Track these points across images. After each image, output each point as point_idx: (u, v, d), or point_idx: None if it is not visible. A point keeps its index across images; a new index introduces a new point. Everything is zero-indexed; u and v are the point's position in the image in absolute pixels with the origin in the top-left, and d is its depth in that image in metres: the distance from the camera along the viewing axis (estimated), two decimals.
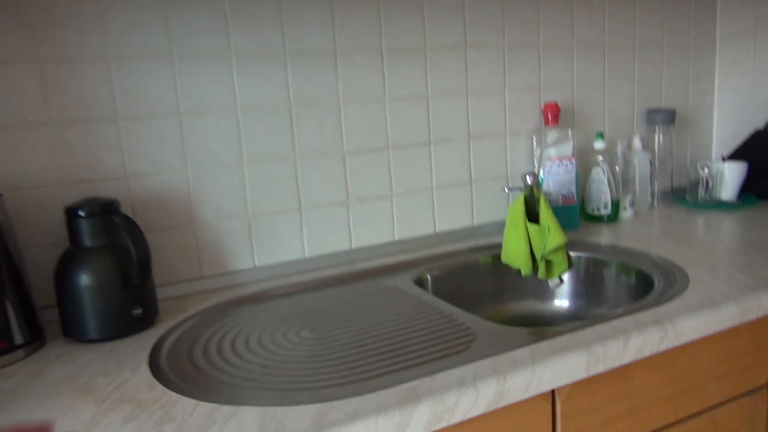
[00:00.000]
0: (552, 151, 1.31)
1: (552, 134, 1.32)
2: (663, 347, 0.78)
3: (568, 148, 1.32)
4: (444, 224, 1.28)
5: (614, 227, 1.32)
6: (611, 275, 1.11)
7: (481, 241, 1.28)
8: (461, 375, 0.68)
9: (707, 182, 1.45)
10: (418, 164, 1.23)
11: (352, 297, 1.00)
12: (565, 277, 1.18)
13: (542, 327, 0.81)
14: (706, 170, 1.46)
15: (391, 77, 1.17)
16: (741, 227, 1.24)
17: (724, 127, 1.62)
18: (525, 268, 1.15)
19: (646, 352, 0.77)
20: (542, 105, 1.35)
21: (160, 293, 1.02)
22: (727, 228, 1.25)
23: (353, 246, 1.19)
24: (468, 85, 1.26)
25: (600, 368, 0.73)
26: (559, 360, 0.71)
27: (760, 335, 0.91)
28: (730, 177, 1.46)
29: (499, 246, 1.23)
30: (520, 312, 1.18)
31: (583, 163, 1.41)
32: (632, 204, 1.40)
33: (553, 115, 1.31)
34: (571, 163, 1.31)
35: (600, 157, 1.36)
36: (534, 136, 1.34)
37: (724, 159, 1.52)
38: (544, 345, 0.74)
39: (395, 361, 0.74)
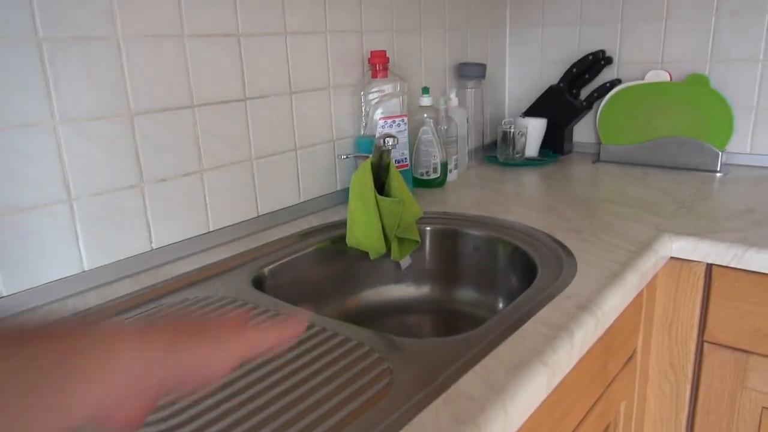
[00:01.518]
0: (380, 109, 1.13)
1: (380, 88, 1.13)
2: (597, 334, 0.67)
3: (396, 105, 1.15)
4: (268, 204, 1.01)
5: (446, 192, 1.21)
6: (471, 249, 0.99)
7: (314, 222, 1.04)
8: None
9: (514, 139, 1.44)
10: (232, 127, 0.93)
11: None
12: (420, 254, 1.03)
13: (461, 334, 0.64)
14: (512, 127, 1.44)
15: (189, 4, 0.84)
16: (562, 183, 1.24)
17: (516, 83, 1.64)
18: (377, 250, 0.96)
19: (587, 346, 0.65)
20: (367, 53, 1.15)
21: None
22: (552, 185, 1.23)
23: (154, 245, 0.84)
24: (286, 21, 0.98)
25: (556, 381, 0.59)
26: (521, 383, 0.54)
27: (632, 303, 0.87)
28: (533, 133, 1.47)
29: (334, 226, 1.02)
30: (379, 302, 0.99)
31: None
32: (456, 165, 1.31)
33: (382, 65, 1.12)
34: (404, 122, 1.14)
35: (426, 115, 1.22)
36: (362, 92, 1.14)
37: (522, 116, 1.53)
38: (490, 363, 0.57)
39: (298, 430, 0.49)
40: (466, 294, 1.00)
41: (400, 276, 1.02)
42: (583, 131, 1.55)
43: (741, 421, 0.92)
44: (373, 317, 0.97)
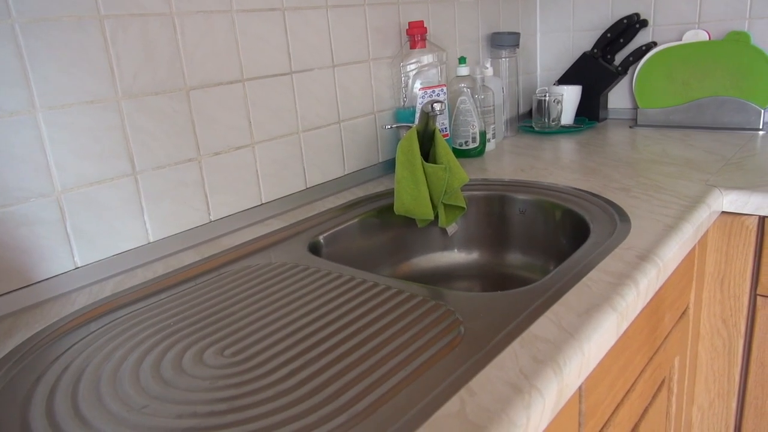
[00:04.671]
0: (419, 80, 1.14)
1: (418, 59, 1.14)
2: (659, 284, 0.68)
3: (435, 75, 1.15)
4: (315, 177, 1.02)
5: (486, 161, 1.22)
6: (517, 213, 1.00)
7: (359, 193, 1.06)
8: (505, 376, 0.48)
9: (549, 108, 1.44)
10: (279, 101, 0.94)
11: (241, 286, 0.71)
12: (466, 221, 1.04)
13: (524, 287, 0.65)
14: (547, 96, 1.44)
15: None
16: (602, 147, 1.24)
17: (547, 53, 1.63)
18: (425, 217, 0.97)
19: (651, 294, 0.66)
20: (404, 25, 1.15)
21: None
22: (592, 150, 1.23)
23: (212, 217, 0.87)
24: None
25: (624, 326, 0.60)
26: (594, 326, 0.55)
27: (685, 259, 0.88)
28: (568, 101, 1.46)
29: (379, 196, 1.03)
30: (429, 268, 1.01)
31: None
32: (494, 135, 1.32)
33: (420, 36, 1.12)
34: (443, 92, 1.15)
35: (463, 85, 1.22)
36: (400, 63, 1.15)
37: (555, 84, 1.52)
38: (559, 309, 0.58)
39: (380, 377, 0.50)
40: (514, 258, 1.01)
41: (447, 243, 1.04)
42: (618, 97, 1.54)
43: None
44: (424, 283, 0.98)
